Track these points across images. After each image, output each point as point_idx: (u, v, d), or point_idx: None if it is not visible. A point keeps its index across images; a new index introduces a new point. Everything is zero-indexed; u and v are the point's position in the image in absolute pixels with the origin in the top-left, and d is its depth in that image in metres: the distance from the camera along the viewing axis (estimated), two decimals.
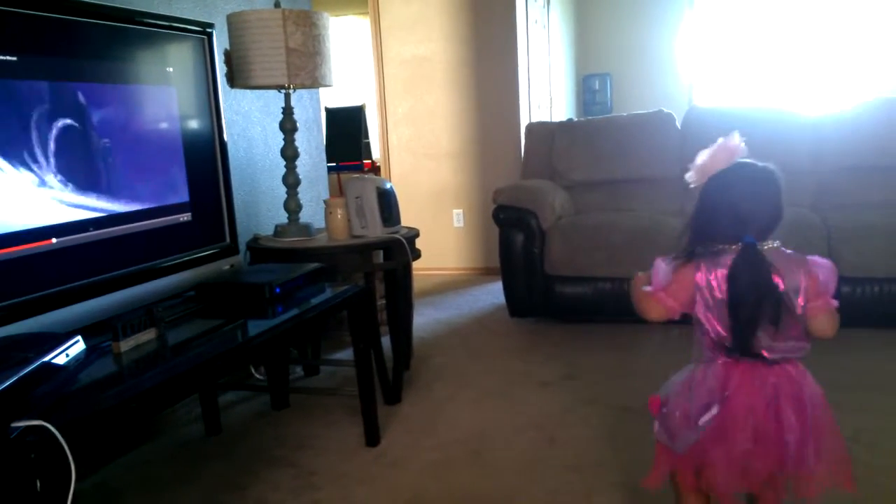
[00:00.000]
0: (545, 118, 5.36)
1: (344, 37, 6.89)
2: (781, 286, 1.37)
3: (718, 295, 1.40)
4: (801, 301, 1.39)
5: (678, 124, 4.04)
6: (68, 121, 1.82)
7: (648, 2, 6.37)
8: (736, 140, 1.46)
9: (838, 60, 5.99)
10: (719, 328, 1.41)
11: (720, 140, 1.47)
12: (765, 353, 1.39)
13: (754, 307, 1.37)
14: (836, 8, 5.92)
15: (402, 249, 2.73)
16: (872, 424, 2.26)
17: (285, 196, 2.83)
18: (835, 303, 1.42)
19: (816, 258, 1.43)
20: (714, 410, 1.39)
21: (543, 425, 2.47)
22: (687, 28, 6.32)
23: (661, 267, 1.48)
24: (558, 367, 3.04)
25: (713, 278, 1.41)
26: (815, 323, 1.41)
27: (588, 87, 6.49)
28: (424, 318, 3.87)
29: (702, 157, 1.48)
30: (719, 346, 1.43)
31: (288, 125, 2.76)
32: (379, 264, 2.77)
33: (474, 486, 2.09)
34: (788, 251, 1.44)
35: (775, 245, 1.42)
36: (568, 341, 3.41)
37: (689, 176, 1.49)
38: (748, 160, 1.46)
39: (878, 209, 3.45)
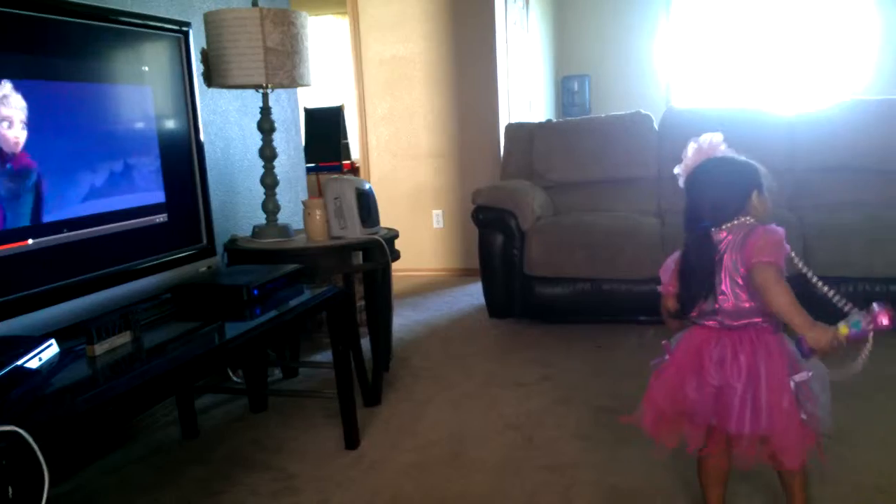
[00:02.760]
0: (524, 119, 5.37)
1: (323, 36, 6.86)
2: (729, 261, 1.54)
3: None
4: (742, 269, 1.53)
5: (656, 125, 4.07)
6: (41, 120, 1.79)
7: (627, 4, 6.41)
8: (713, 139, 1.60)
9: (812, 61, 6.07)
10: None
11: (701, 137, 1.61)
12: (715, 319, 1.57)
13: (696, 282, 1.56)
14: (810, 10, 5.99)
15: (381, 250, 2.72)
16: (851, 425, 2.24)
17: (263, 197, 2.81)
18: (765, 259, 1.49)
19: (768, 226, 1.54)
20: (665, 357, 1.67)
21: (522, 426, 2.47)
22: (664, 30, 6.38)
23: (667, 264, 1.68)
24: (537, 367, 3.04)
25: None
26: (754, 284, 1.51)
27: (567, 89, 6.52)
28: (404, 320, 3.86)
29: (685, 153, 1.63)
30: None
31: (266, 125, 2.74)
32: (358, 265, 2.76)
33: (453, 488, 2.09)
34: (749, 222, 1.56)
35: (745, 220, 1.56)
36: (547, 342, 3.42)
37: (677, 169, 1.66)
38: (724, 156, 1.60)
39: (852, 209, 3.50)
